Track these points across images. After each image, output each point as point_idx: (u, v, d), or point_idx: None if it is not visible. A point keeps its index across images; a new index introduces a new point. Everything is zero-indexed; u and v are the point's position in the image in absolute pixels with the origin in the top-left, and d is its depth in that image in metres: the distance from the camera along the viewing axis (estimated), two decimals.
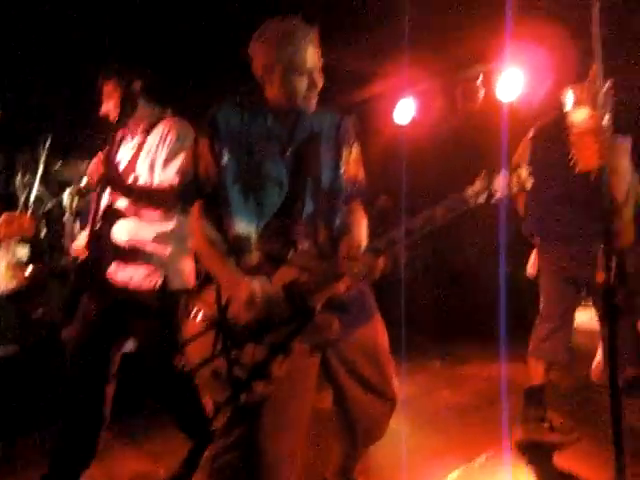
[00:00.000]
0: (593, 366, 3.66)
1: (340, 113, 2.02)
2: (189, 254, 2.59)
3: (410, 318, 4.32)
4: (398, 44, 4.37)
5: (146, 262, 2.51)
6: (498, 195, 1.79)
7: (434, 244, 5.77)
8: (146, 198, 2.49)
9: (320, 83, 1.87)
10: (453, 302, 5.41)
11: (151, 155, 2.51)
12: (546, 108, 4.26)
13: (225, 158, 1.84)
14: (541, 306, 3.06)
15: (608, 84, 1.60)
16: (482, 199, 1.79)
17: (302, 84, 1.83)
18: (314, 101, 1.88)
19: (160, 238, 2.53)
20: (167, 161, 2.47)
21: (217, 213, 1.88)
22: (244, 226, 1.83)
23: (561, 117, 2.56)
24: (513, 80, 4.54)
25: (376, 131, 5.39)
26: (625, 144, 2.58)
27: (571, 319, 2.93)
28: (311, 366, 1.92)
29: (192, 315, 1.89)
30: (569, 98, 1.64)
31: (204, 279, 1.95)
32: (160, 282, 2.49)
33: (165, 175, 2.46)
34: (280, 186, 1.85)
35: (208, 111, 1.90)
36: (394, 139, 5.40)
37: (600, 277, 2.60)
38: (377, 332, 2.05)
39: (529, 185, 1.79)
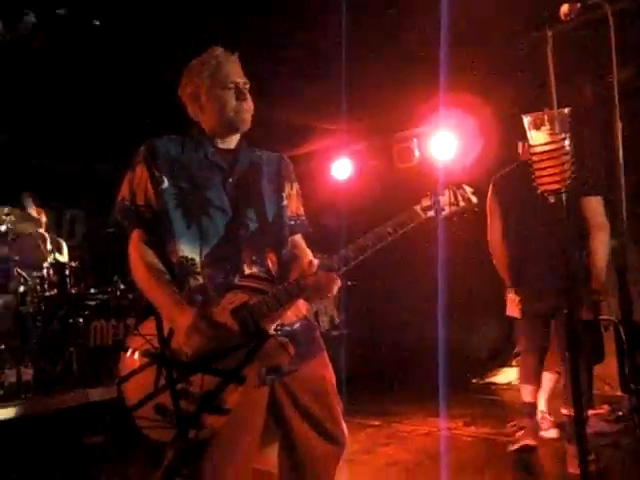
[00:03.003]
0: None
1: (279, 153, 2.04)
2: None
3: (347, 375, 4.24)
4: (336, 106, 4.53)
5: None
6: (447, 210, 1.81)
7: (371, 299, 5.78)
8: None
9: (248, 97, 1.85)
10: (388, 359, 5.36)
11: None
12: (479, 168, 4.51)
13: (165, 183, 1.79)
14: (521, 342, 3.56)
15: (566, 110, 1.67)
16: (431, 214, 1.81)
17: (229, 96, 1.81)
18: (247, 117, 1.86)
19: None
20: None
21: (158, 240, 1.81)
22: (188, 250, 1.76)
23: (522, 165, 2.77)
24: (446, 142, 4.76)
25: (313, 187, 5.46)
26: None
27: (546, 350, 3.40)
28: (260, 400, 1.80)
29: (130, 350, 1.74)
30: (528, 123, 1.70)
31: (144, 310, 1.82)
32: None
33: None
34: (223, 212, 1.80)
35: (146, 140, 1.85)
36: (331, 196, 5.47)
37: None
38: (325, 369, 1.95)
39: (474, 199, 1.82)
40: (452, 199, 1.79)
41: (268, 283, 1.75)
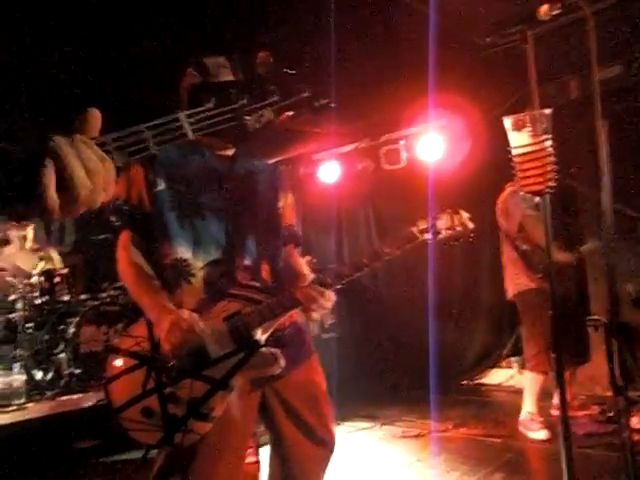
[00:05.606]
0: (521, 418, 3.69)
1: (275, 162, 2.06)
2: None
3: (338, 378, 4.26)
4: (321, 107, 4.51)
5: None
6: (443, 234, 1.84)
7: (363, 303, 5.78)
8: None
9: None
10: (380, 362, 5.37)
11: None
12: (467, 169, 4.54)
13: (161, 185, 1.79)
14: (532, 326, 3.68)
15: (548, 111, 1.69)
16: (428, 236, 1.83)
17: None
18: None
19: None
20: None
21: (149, 242, 1.81)
22: (182, 252, 1.77)
23: None
24: (433, 143, 4.78)
25: (298, 190, 5.45)
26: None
27: None
28: (251, 404, 1.82)
29: (119, 351, 1.74)
30: (509, 125, 1.71)
31: (133, 312, 1.82)
32: None
33: None
34: (218, 216, 1.81)
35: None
36: (317, 199, 5.48)
37: None
38: (316, 373, 1.98)
39: (470, 225, 1.85)
40: (449, 223, 1.82)
41: (262, 294, 1.76)
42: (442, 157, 4.75)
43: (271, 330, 1.77)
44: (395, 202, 5.38)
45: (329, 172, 5.49)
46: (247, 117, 0.90)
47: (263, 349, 1.70)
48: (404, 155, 4.98)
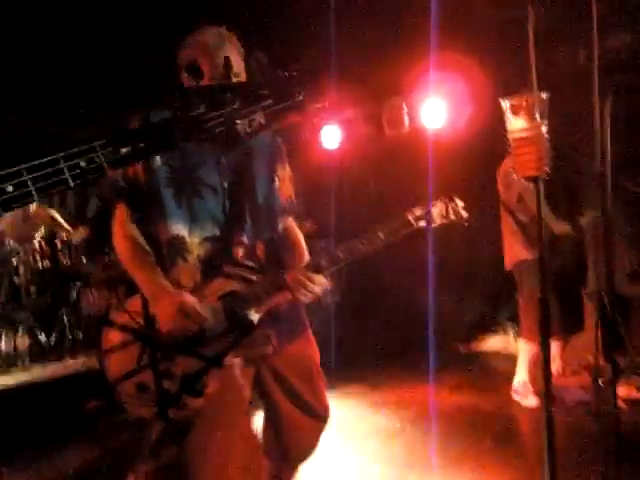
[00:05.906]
0: (514, 385, 3.76)
1: (272, 133, 2.02)
2: None
3: (334, 342, 4.34)
4: (323, 71, 4.44)
5: None
6: (438, 222, 1.86)
7: (362, 268, 5.83)
8: None
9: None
10: (376, 327, 5.44)
11: None
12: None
13: (157, 161, 1.78)
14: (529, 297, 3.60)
15: (545, 95, 1.67)
16: (423, 223, 1.86)
17: None
18: None
19: None
20: None
21: (145, 218, 1.82)
22: (178, 229, 1.78)
23: None
24: (436, 109, 4.72)
25: (299, 156, 5.41)
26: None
27: None
28: (245, 380, 1.85)
29: (114, 325, 1.78)
30: (506, 107, 1.69)
31: (128, 287, 1.85)
32: None
33: None
34: (215, 193, 1.81)
35: (140, 112, 1.83)
36: (318, 165, 5.44)
37: None
38: (309, 347, 2.02)
39: (464, 214, 1.88)
40: (443, 212, 1.85)
41: (257, 274, 1.78)
42: (444, 123, 4.69)
43: (265, 309, 1.81)
44: (396, 167, 5.34)
45: (330, 137, 5.44)
46: (238, 122, 0.89)
47: (257, 329, 1.74)
48: (406, 120, 4.92)
